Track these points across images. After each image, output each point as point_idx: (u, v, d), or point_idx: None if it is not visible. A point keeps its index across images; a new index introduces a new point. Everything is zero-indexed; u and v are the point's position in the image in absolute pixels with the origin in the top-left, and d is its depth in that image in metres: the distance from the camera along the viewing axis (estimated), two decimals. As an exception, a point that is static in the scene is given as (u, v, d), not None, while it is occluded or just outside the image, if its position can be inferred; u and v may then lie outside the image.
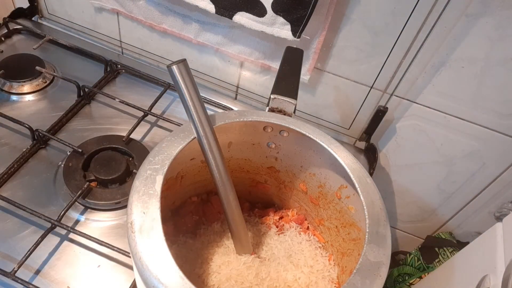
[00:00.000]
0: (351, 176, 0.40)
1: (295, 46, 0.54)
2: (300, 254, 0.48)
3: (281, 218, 0.53)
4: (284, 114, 0.46)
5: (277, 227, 0.52)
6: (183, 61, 0.37)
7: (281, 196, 0.54)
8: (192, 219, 0.50)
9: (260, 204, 0.55)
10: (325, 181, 0.46)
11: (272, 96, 0.45)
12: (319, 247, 0.50)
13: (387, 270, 0.34)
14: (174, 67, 0.36)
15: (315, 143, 0.43)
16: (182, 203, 0.51)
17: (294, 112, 0.46)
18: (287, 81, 0.48)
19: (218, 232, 0.49)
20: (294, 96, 0.46)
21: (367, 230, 0.36)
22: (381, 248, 0.35)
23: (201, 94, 0.77)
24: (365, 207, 0.38)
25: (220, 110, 0.71)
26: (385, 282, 0.34)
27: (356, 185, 0.39)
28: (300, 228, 0.52)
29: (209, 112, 0.70)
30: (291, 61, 0.51)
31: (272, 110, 0.46)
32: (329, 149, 0.42)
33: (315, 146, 0.43)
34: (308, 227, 0.52)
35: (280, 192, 0.53)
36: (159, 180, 0.36)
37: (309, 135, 0.43)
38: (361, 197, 0.38)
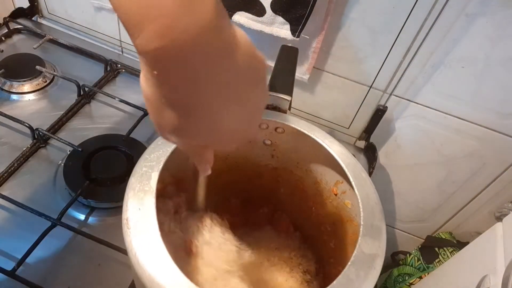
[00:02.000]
0: (346, 170, 0.40)
1: (290, 45, 0.54)
2: (292, 251, 0.48)
3: (274, 214, 0.53)
4: (279, 111, 0.46)
5: (272, 224, 0.52)
6: None
7: (277, 193, 0.54)
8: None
9: (255, 201, 0.55)
10: (321, 177, 0.46)
11: None
12: (313, 244, 0.50)
13: (382, 262, 0.34)
14: None
15: (310, 139, 0.43)
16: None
17: (289, 108, 0.46)
18: (282, 78, 0.48)
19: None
20: (289, 92, 0.46)
21: (362, 223, 0.36)
22: (376, 240, 0.35)
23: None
24: (359, 201, 0.38)
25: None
26: (385, 282, 0.33)
27: (351, 179, 0.39)
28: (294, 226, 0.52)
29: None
30: (286, 59, 0.51)
31: (266, 107, 0.46)
32: (324, 144, 0.42)
33: (310, 142, 0.43)
34: (303, 224, 0.52)
35: (276, 189, 0.53)
36: (155, 176, 0.36)
37: (304, 131, 0.43)
38: (356, 191, 0.38)
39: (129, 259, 0.31)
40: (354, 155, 0.42)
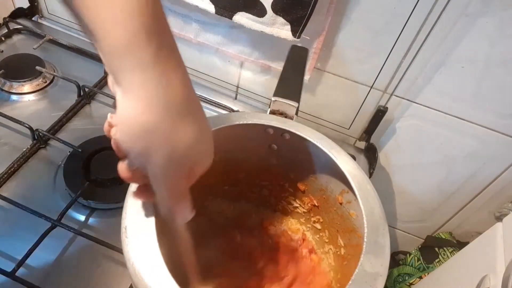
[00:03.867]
0: (351, 182, 0.39)
1: (300, 45, 0.53)
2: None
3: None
4: (286, 117, 0.45)
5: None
6: None
7: (281, 199, 0.53)
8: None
9: (256, 205, 0.55)
10: (326, 185, 0.46)
11: (273, 99, 0.45)
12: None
13: (384, 281, 0.33)
14: None
15: (315, 147, 0.42)
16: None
17: (297, 114, 0.46)
18: (290, 82, 0.47)
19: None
20: (296, 99, 0.45)
21: (365, 240, 0.35)
22: (379, 258, 0.34)
23: (201, 94, 0.77)
24: (364, 216, 0.37)
25: (220, 110, 0.71)
26: (384, 282, 0.33)
27: (356, 192, 0.38)
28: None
29: (211, 113, 0.71)
30: (295, 60, 0.51)
31: (273, 112, 0.46)
32: (330, 154, 0.41)
33: (315, 150, 0.43)
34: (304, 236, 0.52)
35: (280, 194, 0.53)
36: None
37: (310, 139, 0.42)
38: (361, 205, 0.37)
39: (127, 267, 0.32)
40: (354, 156, 0.42)
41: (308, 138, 0.42)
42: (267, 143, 0.47)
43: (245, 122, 0.43)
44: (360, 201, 0.38)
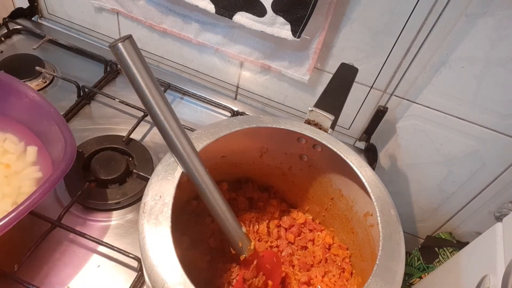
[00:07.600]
0: (375, 203, 0.38)
1: (351, 64, 0.54)
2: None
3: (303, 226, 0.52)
4: (320, 129, 0.45)
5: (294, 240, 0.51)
6: (129, 38, 0.31)
7: (303, 211, 0.53)
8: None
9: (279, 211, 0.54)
10: (352, 204, 0.45)
11: (310, 108, 0.45)
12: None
13: None
14: (120, 45, 0.31)
15: (345, 163, 0.41)
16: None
17: (333, 127, 0.45)
18: (332, 96, 0.47)
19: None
20: (335, 112, 0.45)
21: (377, 262, 0.34)
22: (388, 284, 0.32)
23: (201, 94, 0.77)
24: (381, 239, 0.36)
25: (220, 110, 0.71)
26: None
27: (378, 214, 0.37)
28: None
29: (210, 113, 0.71)
30: (342, 77, 0.51)
31: (308, 122, 0.45)
32: (358, 172, 0.40)
33: (345, 166, 0.42)
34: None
35: (302, 202, 0.53)
36: (180, 168, 0.36)
37: (340, 154, 0.41)
38: (380, 227, 0.36)
39: (139, 240, 0.33)
40: (382, 183, 0.40)
41: (338, 152, 0.41)
42: (299, 153, 0.46)
43: (277, 126, 0.42)
44: (379, 224, 0.37)
